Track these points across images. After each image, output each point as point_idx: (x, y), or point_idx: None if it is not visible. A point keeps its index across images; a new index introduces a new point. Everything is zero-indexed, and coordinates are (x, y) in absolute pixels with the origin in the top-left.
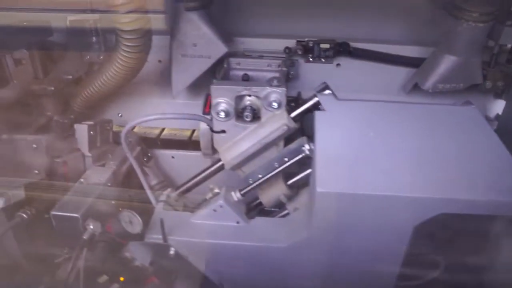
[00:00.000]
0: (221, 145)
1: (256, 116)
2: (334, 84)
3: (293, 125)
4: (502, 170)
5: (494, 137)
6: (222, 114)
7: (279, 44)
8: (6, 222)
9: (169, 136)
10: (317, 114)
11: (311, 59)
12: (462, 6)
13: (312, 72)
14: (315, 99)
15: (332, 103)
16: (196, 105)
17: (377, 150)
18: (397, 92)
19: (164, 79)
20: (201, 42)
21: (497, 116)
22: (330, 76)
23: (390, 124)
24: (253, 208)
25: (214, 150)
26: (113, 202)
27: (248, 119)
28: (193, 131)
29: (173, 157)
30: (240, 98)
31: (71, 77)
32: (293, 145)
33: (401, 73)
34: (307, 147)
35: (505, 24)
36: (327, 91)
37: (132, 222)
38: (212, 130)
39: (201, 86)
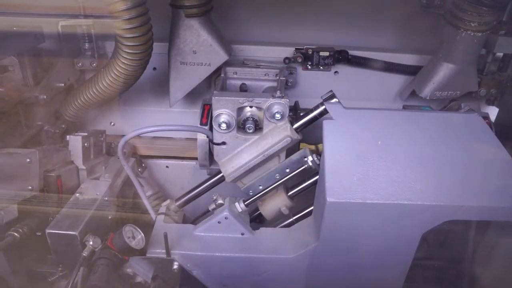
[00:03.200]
0: (221, 157)
1: (257, 127)
2: (333, 91)
3: (296, 136)
4: (507, 177)
5: (498, 144)
6: (224, 126)
7: (278, 52)
8: None
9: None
10: (325, 123)
11: (309, 67)
12: (462, 16)
13: (310, 79)
14: (322, 108)
15: (340, 112)
16: (191, 114)
17: (385, 158)
18: (394, 99)
19: (159, 87)
20: (201, 49)
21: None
22: (328, 84)
23: (397, 133)
24: (252, 220)
25: (211, 161)
26: (109, 217)
27: (250, 131)
28: None
29: (167, 166)
30: (241, 109)
31: (63, 84)
32: (295, 156)
33: (397, 80)
34: (310, 158)
35: (498, 34)
36: (334, 100)
37: (135, 237)
38: (212, 142)
39: (196, 94)
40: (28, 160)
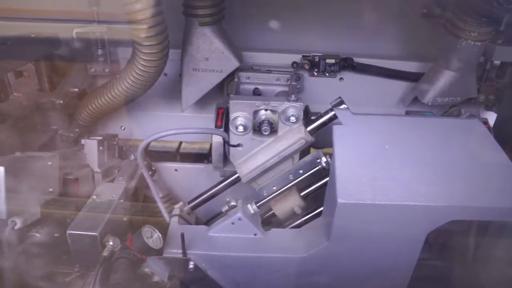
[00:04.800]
0: (237, 159)
1: (272, 129)
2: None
3: (310, 138)
4: (506, 179)
5: (497, 148)
6: (241, 128)
7: (285, 59)
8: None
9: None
10: (335, 128)
11: (315, 73)
12: (463, 26)
13: (316, 85)
14: (332, 113)
15: (348, 117)
16: (200, 118)
17: (392, 162)
18: (396, 105)
19: (169, 92)
20: (214, 56)
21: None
22: (333, 90)
23: (403, 137)
24: (265, 220)
25: (225, 163)
26: (125, 218)
27: (266, 133)
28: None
29: (176, 170)
30: (256, 112)
31: (77, 90)
32: (308, 158)
33: (399, 86)
34: (324, 159)
35: (496, 43)
36: (343, 106)
37: (153, 237)
38: (228, 144)
39: (204, 99)
40: (50, 163)
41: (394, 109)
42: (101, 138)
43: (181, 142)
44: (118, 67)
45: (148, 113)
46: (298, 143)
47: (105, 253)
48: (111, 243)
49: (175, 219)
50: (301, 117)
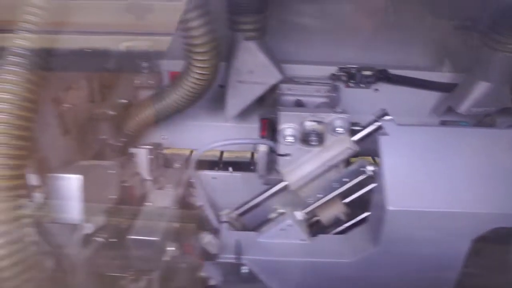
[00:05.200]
0: (284, 168)
1: (320, 140)
2: (373, 107)
3: (355, 148)
4: None
5: None
6: (290, 138)
7: (321, 71)
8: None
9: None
10: (382, 138)
11: (351, 85)
12: (499, 39)
13: (351, 96)
14: (377, 124)
15: (393, 128)
16: (240, 128)
17: (438, 170)
18: (429, 114)
19: (209, 102)
20: (258, 69)
21: None
22: (368, 100)
23: (446, 147)
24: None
25: (269, 172)
26: (177, 224)
27: (314, 143)
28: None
29: (214, 178)
30: (303, 123)
31: (126, 101)
32: (353, 167)
33: (431, 97)
34: (370, 168)
35: None
36: (387, 117)
37: (209, 242)
38: (277, 154)
39: (246, 110)
40: (112, 171)
41: (426, 119)
42: (151, 147)
43: (222, 152)
44: (161, 78)
45: (188, 123)
46: (344, 153)
47: (166, 258)
48: (171, 248)
49: (225, 225)
50: (348, 127)
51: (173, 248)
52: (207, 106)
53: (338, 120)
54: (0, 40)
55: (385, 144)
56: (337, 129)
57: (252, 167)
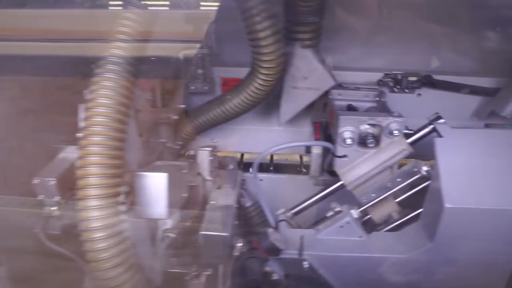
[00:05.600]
0: (341, 168)
1: (376, 142)
2: (416, 111)
3: (410, 149)
4: None
5: None
6: (349, 141)
7: (367, 77)
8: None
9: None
10: (438, 140)
11: (396, 90)
12: None
13: (396, 101)
14: (431, 127)
15: (448, 131)
16: (289, 132)
17: (491, 170)
18: (471, 118)
19: (259, 107)
20: (312, 75)
21: None
22: (412, 105)
23: (498, 148)
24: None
25: (321, 173)
26: (236, 222)
27: (371, 145)
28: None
29: (261, 180)
30: (361, 126)
31: (184, 106)
32: (406, 167)
33: (473, 101)
34: (425, 168)
35: None
36: (441, 120)
37: (277, 238)
38: (334, 155)
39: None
40: (185, 171)
41: (468, 122)
42: (211, 149)
43: (272, 155)
44: (214, 85)
45: (237, 127)
46: (400, 154)
47: (236, 253)
48: (240, 243)
49: (283, 223)
50: (403, 130)
51: (241, 244)
52: (254, 111)
53: (394, 124)
54: (98, 49)
55: (440, 146)
56: (393, 132)
57: (299, 169)
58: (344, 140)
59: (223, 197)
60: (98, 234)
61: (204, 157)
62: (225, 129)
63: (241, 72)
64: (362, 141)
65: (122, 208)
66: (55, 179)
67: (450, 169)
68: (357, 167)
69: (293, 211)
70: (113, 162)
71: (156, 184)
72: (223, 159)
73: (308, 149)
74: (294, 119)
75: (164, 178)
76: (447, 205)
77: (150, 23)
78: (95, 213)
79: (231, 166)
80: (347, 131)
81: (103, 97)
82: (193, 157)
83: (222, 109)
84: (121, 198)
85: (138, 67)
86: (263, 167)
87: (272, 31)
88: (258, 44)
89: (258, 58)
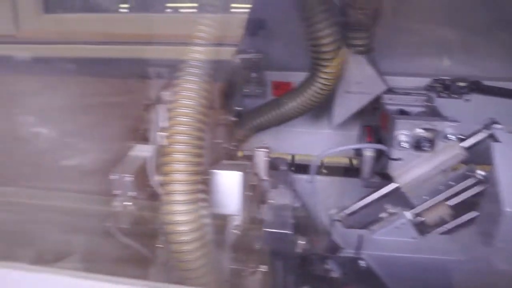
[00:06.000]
0: (395, 171)
1: (431, 145)
2: (464, 117)
3: (465, 153)
4: None
5: None
6: (405, 145)
7: (414, 82)
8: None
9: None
10: (495, 145)
11: (444, 95)
12: None
13: (443, 106)
14: (487, 132)
15: (504, 136)
16: (337, 135)
17: None
18: None
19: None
20: (365, 80)
21: None
22: (460, 110)
23: None
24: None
25: (372, 175)
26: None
27: (426, 149)
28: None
29: (309, 181)
30: (416, 129)
31: (241, 108)
32: (460, 171)
33: None
34: (481, 172)
35: None
36: (498, 125)
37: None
38: (389, 158)
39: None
40: (248, 170)
41: None
42: (267, 150)
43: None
44: (265, 88)
45: (285, 129)
46: (455, 158)
47: (298, 250)
48: (302, 241)
49: (338, 224)
50: (458, 134)
51: (304, 242)
52: (305, 114)
53: (449, 128)
54: (180, 52)
55: (498, 150)
56: (448, 136)
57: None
58: (399, 143)
59: (280, 197)
60: (183, 228)
61: (261, 157)
62: (275, 131)
63: (292, 76)
64: (417, 144)
65: (203, 203)
66: (132, 175)
67: (507, 172)
68: (411, 170)
69: (347, 211)
70: (196, 160)
71: (231, 182)
72: (274, 160)
73: (358, 152)
74: (342, 122)
75: (239, 176)
76: (507, 209)
77: (222, 27)
78: (180, 208)
79: (282, 167)
80: (402, 134)
81: (187, 99)
82: (249, 158)
83: (277, 112)
84: (202, 194)
85: (214, 70)
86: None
87: (333, 38)
88: (319, 50)
89: (319, 63)
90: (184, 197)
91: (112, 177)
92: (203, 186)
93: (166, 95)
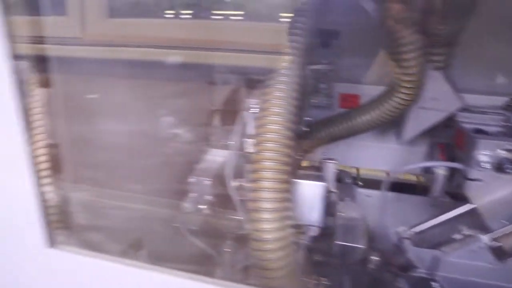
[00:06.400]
0: (472, 191)
1: None
2: None
3: None
4: None
5: None
6: (486, 165)
7: (489, 100)
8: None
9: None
10: None
11: None
12: None
13: None
14: None
15: None
16: (404, 151)
17: None
18: None
19: None
20: (441, 97)
21: None
22: None
23: None
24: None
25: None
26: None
27: (510, 171)
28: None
29: (369, 196)
30: (498, 150)
31: (311, 119)
32: None
33: None
34: None
35: None
36: None
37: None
38: (466, 178)
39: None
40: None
41: None
42: (336, 161)
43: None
44: (333, 100)
45: (350, 141)
46: None
47: (372, 265)
48: (375, 258)
49: (407, 242)
50: None
51: (377, 258)
52: None
53: None
54: (269, 61)
55: None
56: None
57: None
58: (479, 163)
59: (349, 210)
60: (269, 236)
61: (330, 169)
62: (339, 142)
63: (359, 89)
64: (499, 166)
65: (289, 212)
66: (211, 179)
67: None
68: (490, 192)
69: (416, 229)
70: (284, 168)
71: (314, 193)
72: (339, 173)
73: (427, 169)
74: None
75: (322, 188)
76: None
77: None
78: (268, 216)
79: (347, 180)
80: (483, 154)
81: (277, 107)
82: (317, 169)
83: (349, 124)
84: (289, 203)
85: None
86: (368, 183)
87: (417, 54)
88: (402, 65)
89: (400, 78)
90: (271, 205)
91: (190, 179)
92: (289, 195)
93: (253, 102)
